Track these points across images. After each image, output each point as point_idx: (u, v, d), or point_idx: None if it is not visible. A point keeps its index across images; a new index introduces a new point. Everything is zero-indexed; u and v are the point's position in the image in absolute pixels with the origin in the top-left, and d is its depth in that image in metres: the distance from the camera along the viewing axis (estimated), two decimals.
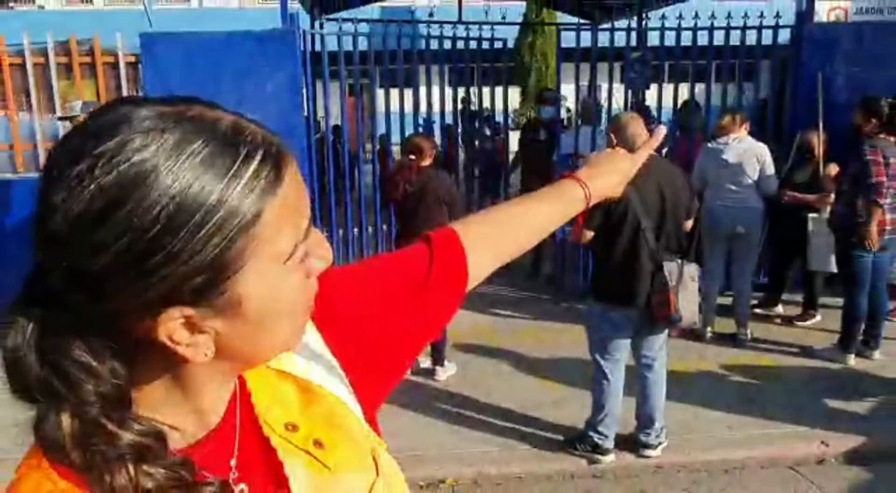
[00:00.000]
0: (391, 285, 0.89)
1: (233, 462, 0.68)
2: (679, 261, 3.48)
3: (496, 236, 1.00)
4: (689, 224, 3.71)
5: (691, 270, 3.52)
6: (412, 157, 4.56)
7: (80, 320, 0.57)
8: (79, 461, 0.56)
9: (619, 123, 3.60)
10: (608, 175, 1.11)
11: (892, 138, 4.69)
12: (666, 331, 3.73)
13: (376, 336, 0.85)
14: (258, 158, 0.58)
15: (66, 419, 0.56)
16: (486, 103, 7.37)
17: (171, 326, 0.57)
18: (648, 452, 3.77)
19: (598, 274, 3.67)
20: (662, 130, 1.19)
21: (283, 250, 0.60)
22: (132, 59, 5.94)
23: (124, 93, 5.98)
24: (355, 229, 6.40)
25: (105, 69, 5.95)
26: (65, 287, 0.56)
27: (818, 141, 5.51)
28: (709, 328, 5.38)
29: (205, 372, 0.64)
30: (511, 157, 7.70)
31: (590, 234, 3.53)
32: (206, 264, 0.55)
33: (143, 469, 0.57)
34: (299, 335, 0.69)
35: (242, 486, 0.67)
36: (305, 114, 5.95)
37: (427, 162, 4.58)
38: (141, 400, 0.61)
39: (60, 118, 5.33)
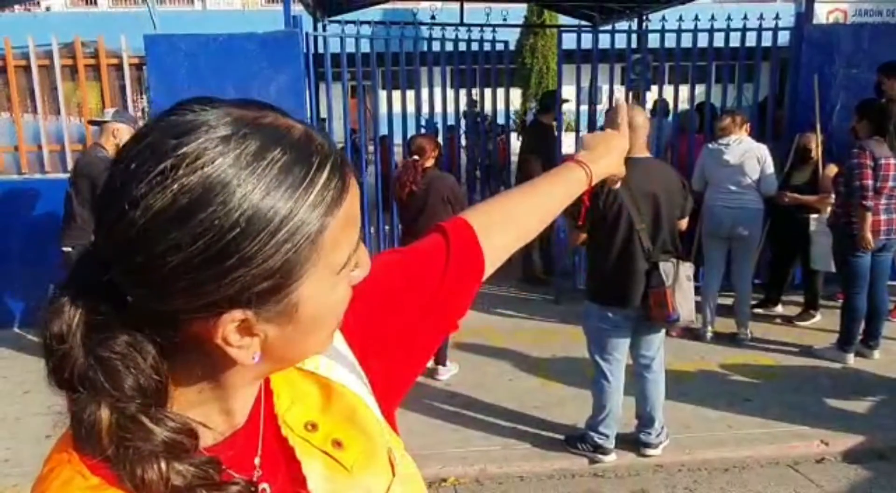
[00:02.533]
0: (411, 276, 0.91)
1: (257, 461, 0.69)
2: (674, 260, 3.51)
3: (505, 221, 1.02)
4: (683, 223, 3.72)
5: (686, 269, 3.54)
6: (416, 157, 4.60)
7: (130, 313, 0.58)
8: (112, 455, 0.57)
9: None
10: (607, 155, 1.16)
11: (883, 140, 4.71)
12: (663, 331, 3.76)
13: (395, 329, 0.87)
14: (328, 168, 0.60)
15: (104, 413, 0.57)
16: (489, 104, 7.41)
17: (229, 328, 0.58)
18: (649, 451, 3.79)
19: (594, 275, 3.69)
20: (621, 103, 1.27)
21: (339, 261, 0.62)
22: (136, 61, 5.96)
23: (128, 95, 6.01)
24: None
25: (109, 71, 5.97)
26: (128, 283, 0.57)
27: (817, 142, 5.54)
28: (709, 328, 5.41)
29: (242, 375, 0.65)
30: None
31: (583, 236, 3.57)
32: (275, 270, 0.57)
33: (174, 466, 0.57)
34: (331, 339, 0.71)
35: (265, 486, 0.67)
36: (308, 115, 5.98)
37: (430, 163, 4.62)
38: (175, 399, 0.61)
39: (91, 122, 5.28)
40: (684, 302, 3.50)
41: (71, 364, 0.58)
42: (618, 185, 3.33)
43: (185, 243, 0.54)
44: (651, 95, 6.81)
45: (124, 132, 4.77)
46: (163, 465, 0.57)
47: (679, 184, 3.63)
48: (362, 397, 0.79)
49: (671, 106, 7.22)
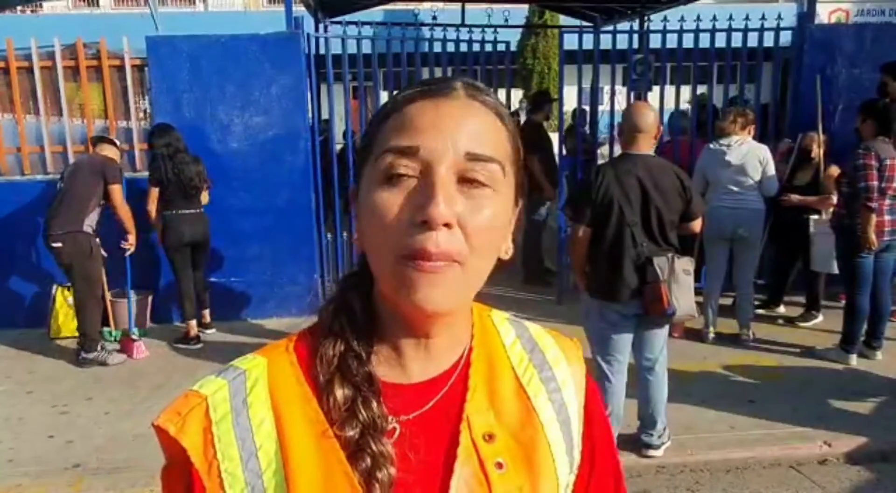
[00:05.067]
0: None
1: (402, 417, 0.74)
2: (669, 255, 3.49)
3: None
4: (696, 225, 3.66)
5: (683, 262, 3.51)
6: None
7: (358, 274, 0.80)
8: (326, 327, 0.77)
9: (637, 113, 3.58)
10: None
11: (888, 140, 4.71)
12: (666, 330, 3.74)
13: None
14: (415, 90, 0.74)
15: (331, 310, 0.78)
16: None
17: (353, 196, 0.77)
18: (651, 452, 3.79)
19: (591, 269, 3.66)
20: None
21: (379, 160, 0.70)
22: (138, 62, 5.97)
23: (130, 96, 6.01)
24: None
25: (111, 72, 5.98)
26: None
27: (818, 143, 5.53)
28: (711, 329, 5.41)
29: (381, 307, 0.76)
30: None
31: (583, 229, 3.54)
32: (361, 149, 0.76)
33: (345, 354, 0.74)
34: (393, 272, 0.69)
35: (396, 427, 0.73)
36: (310, 116, 5.99)
37: None
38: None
39: (95, 138, 5.52)
40: (682, 296, 3.48)
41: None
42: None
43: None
44: (651, 95, 6.80)
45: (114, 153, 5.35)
46: (340, 345, 0.75)
47: (676, 182, 3.54)
48: (554, 450, 0.78)
49: (672, 107, 7.21)
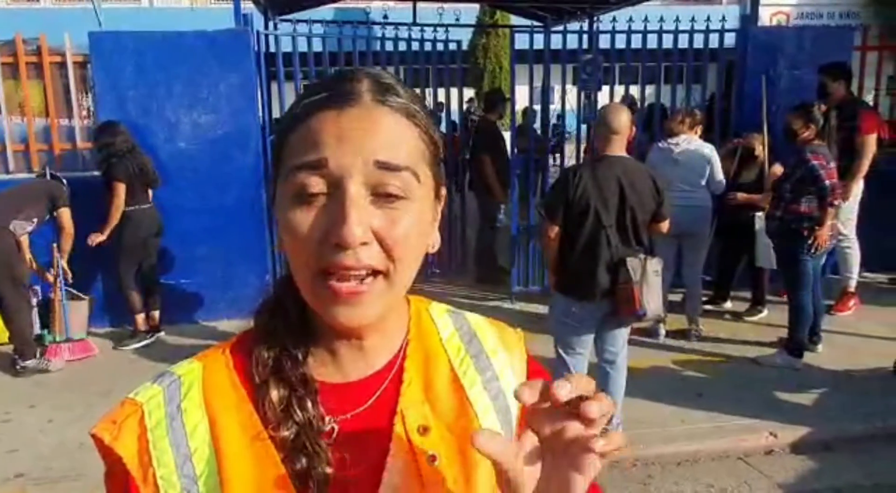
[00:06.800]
0: None
1: (340, 417, 0.73)
2: (641, 257, 3.53)
3: None
4: (664, 226, 3.69)
5: (654, 264, 3.56)
6: None
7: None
8: (261, 330, 0.76)
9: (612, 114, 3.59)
10: None
11: (824, 144, 4.82)
12: (629, 327, 3.79)
13: None
14: (318, 95, 0.70)
15: (266, 313, 0.77)
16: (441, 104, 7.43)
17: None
18: None
19: (561, 267, 3.67)
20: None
21: (288, 175, 0.68)
22: (80, 58, 5.81)
23: (72, 94, 5.84)
24: None
25: (53, 69, 5.81)
26: None
27: (762, 142, 5.66)
28: (661, 325, 5.49)
29: (314, 312, 0.73)
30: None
31: (556, 229, 3.57)
32: (274, 158, 0.74)
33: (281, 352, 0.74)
34: (313, 289, 0.69)
35: (334, 426, 0.73)
36: (260, 115, 5.90)
37: None
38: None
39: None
40: (651, 298, 3.52)
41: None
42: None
43: None
44: (601, 95, 6.89)
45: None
46: (275, 351, 0.74)
47: (650, 184, 3.58)
48: None
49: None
